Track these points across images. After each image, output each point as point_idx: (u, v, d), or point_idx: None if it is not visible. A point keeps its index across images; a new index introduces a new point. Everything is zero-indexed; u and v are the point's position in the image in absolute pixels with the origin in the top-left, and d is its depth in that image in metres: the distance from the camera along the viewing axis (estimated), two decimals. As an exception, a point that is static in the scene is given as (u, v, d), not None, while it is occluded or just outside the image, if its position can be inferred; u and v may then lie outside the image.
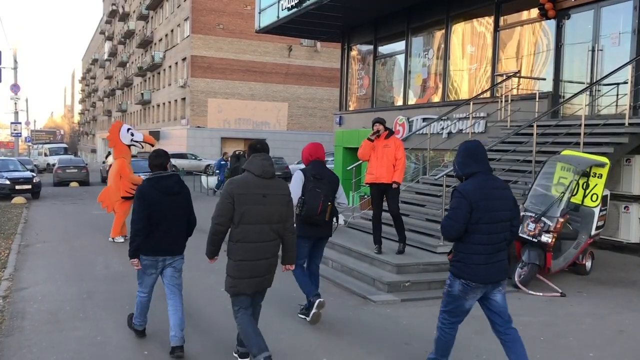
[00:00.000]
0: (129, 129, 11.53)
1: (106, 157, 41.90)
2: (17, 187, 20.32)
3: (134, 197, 5.29)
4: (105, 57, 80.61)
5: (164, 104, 50.02)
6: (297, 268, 5.90)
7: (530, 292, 7.62)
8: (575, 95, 10.20)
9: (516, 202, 4.53)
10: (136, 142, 11.64)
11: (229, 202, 4.60)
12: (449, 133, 14.43)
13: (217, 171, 24.69)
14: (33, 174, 22.74)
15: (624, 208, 10.24)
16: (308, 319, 6.14)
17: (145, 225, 5.12)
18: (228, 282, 4.72)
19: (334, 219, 6.28)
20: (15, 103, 36.23)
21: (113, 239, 11.26)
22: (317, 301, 6.06)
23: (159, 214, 5.16)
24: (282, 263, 5.04)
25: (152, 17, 55.74)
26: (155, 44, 53.85)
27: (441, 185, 9.23)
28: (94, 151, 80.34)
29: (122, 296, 7.25)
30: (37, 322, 6.18)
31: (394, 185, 8.28)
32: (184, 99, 43.89)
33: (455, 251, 4.43)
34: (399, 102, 17.40)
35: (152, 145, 11.44)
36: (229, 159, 22.25)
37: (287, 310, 6.67)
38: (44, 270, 8.76)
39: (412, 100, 16.89)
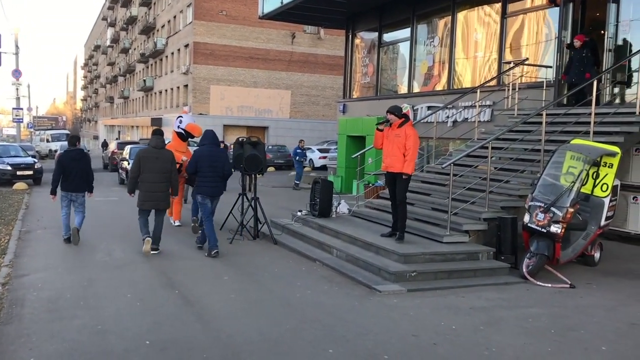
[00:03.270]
0: (178, 117, 11.55)
1: (102, 146, 41.73)
2: (19, 172, 20.21)
3: (55, 161, 9.77)
4: (108, 43, 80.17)
5: (166, 90, 49.75)
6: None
7: (538, 283, 7.49)
8: (584, 85, 10.01)
9: (227, 159, 9.28)
10: (181, 129, 11.36)
11: (137, 161, 8.75)
12: (454, 122, 14.26)
13: (298, 158, 21.24)
14: (35, 159, 22.60)
15: (633, 199, 10.10)
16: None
17: (60, 177, 9.37)
18: (137, 202, 8.84)
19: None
20: (17, 89, 35.87)
21: (175, 222, 11.43)
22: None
23: (69, 170, 9.34)
24: (171, 195, 9.02)
25: (154, 3, 55.28)
26: (157, 30, 53.45)
27: (447, 174, 9.07)
28: (96, 138, 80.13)
29: (123, 284, 7.13)
30: (37, 310, 6.07)
31: (404, 177, 8.35)
32: (186, 85, 43.61)
33: (196, 180, 9.03)
34: (404, 90, 17.20)
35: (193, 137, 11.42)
36: (233, 145, 22.01)
37: (291, 301, 6.57)
38: (45, 257, 8.64)
39: (417, 88, 16.68)
